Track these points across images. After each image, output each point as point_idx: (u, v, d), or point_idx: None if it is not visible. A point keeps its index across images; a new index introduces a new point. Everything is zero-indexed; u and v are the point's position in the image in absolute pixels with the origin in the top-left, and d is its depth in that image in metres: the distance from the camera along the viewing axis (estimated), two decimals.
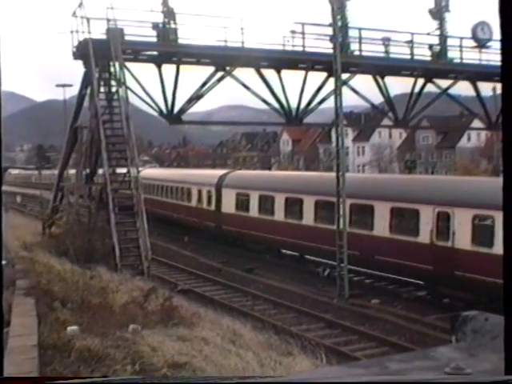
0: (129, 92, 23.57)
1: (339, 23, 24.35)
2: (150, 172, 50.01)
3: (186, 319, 13.30)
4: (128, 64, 23.84)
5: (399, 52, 27.64)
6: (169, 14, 23.93)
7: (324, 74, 26.33)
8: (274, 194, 29.53)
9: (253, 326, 14.24)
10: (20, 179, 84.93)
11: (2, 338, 3.92)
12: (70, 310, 12.75)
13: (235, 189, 33.10)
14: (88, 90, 24.52)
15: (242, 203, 32.09)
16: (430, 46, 28.07)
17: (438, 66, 28.26)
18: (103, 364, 9.00)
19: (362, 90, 28.08)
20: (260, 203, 30.64)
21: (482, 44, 28.21)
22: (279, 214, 28.83)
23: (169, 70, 24.79)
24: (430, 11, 28.10)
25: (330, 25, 23.97)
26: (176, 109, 25.18)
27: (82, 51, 23.33)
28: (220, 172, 38.52)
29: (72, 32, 23.36)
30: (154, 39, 24.11)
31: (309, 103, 26.96)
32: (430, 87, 29.48)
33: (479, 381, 3.29)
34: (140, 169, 24.37)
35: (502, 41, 3.06)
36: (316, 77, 26.74)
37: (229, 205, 33.20)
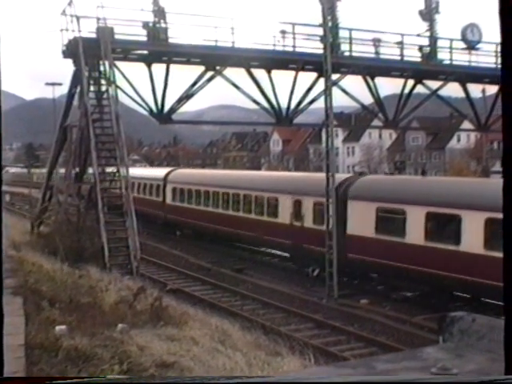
0: (119, 91, 23.52)
1: (329, 24, 24.34)
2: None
3: (175, 319, 13.28)
4: (118, 63, 23.76)
5: (389, 53, 27.70)
6: (159, 13, 23.86)
7: (314, 75, 26.35)
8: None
9: (241, 326, 14.24)
10: (18, 177, 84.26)
11: (2, 338, 3.91)
12: (58, 310, 12.71)
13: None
14: (78, 89, 24.41)
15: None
16: (420, 48, 28.13)
17: (428, 68, 28.32)
18: (91, 364, 8.97)
19: (353, 90, 28.17)
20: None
21: (471, 46, 28.31)
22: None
23: (159, 69, 24.76)
24: (420, 12, 28.16)
25: (320, 25, 23.97)
26: (166, 108, 25.12)
27: (72, 50, 23.22)
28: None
29: (62, 30, 23.26)
30: (145, 38, 24.02)
31: (299, 103, 26.96)
32: (419, 88, 29.59)
33: (478, 381, 3.30)
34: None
35: (502, 43, 3.07)
36: (306, 77, 26.79)
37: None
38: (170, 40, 24.26)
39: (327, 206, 22.65)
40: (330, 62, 22.70)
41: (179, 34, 24.50)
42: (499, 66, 3.39)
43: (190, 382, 3.99)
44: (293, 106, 26.85)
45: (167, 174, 40.85)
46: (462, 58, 28.72)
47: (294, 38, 25.61)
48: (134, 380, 4.51)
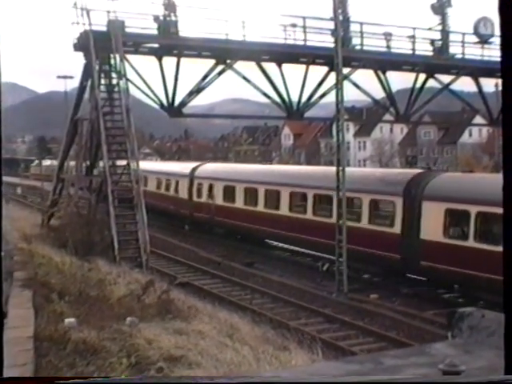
0: (130, 84, 23.53)
1: (341, 17, 24.23)
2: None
3: (184, 312, 13.28)
4: (129, 56, 23.77)
5: (401, 47, 27.55)
6: (170, 6, 23.83)
7: (325, 69, 26.26)
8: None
9: (250, 320, 14.22)
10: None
11: (2, 339, 3.89)
12: (67, 302, 12.74)
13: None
14: (89, 82, 24.44)
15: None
16: (432, 41, 27.98)
17: (440, 62, 28.17)
18: (99, 357, 8.97)
19: (364, 84, 28.02)
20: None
21: (484, 40, 28.12)
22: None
23: (169, 62, 24.74)
24: (432, 6, 28.01)
25: (331, 19, 23.85)
26: (177, 102, 25.10)
27: (83, 43, 23.25)
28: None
29: (73, 24, 23.30)
30: (155, 32, 24.01)
31: (310, 97, 26.89)
32: (431, 82, 29.44)
33: (478, 381, 3.25)
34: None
35: (502, 38, 3.03)
36: (317, 71, 26.68)
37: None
38: (181, 33, 24.23)
39: (339, 200, 22.50)
40: (340, 56, 22.59)
41: (190, 28, 24.49)
42: None
43: (193, 382, 3.96)
44: (304, 99, 26.78)
45: (194, 169, 37.77)
46: (474, 52, 28.55)
47: (305, 32, 25.53)
48: (138, 380, 4.48)
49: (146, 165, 52.87)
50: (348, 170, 23.19)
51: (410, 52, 27.60)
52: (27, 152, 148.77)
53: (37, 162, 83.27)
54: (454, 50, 28.30)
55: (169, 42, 24.46)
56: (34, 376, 7.26)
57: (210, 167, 39.19)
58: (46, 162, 73.17)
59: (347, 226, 21.94)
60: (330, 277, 23.10)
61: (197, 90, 25.58)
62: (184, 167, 40.75)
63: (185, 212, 36.98)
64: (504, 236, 3.20)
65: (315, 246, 25.91)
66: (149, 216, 22.99)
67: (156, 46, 24.97)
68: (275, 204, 28.81)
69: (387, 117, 38.00)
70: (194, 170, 37.74)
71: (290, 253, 29.34)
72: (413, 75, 28.77)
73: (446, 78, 29.30)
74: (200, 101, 28.05)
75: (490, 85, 32.49)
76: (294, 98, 26.61)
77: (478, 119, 52.12)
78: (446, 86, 29.54)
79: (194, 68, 26.90)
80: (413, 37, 27.45)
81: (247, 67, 25.86)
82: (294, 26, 25.44)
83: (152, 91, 24.67)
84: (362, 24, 26.61)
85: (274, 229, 28.30)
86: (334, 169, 22.85)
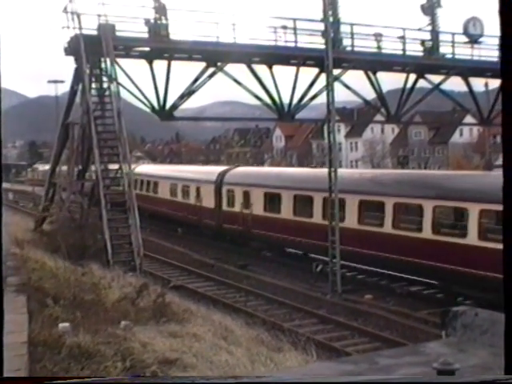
0: (121, 88, 23.50)
1: (331, 19, 24.26)
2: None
3: (178, 315, 13.28)
4: (119, 60, 23.74)
5: (391, 47, 27.59)
6: (160, 9, 23.81)
7: (316, 70, 26.27)
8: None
9: (244, 322, 14.23)
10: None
11: (2, 339, 3.91)
12: (61, 307, 12.71)
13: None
14: (79, 86, 24.39)
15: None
16: (422, 42, 28.05)
17: (430, 62, 28.25)
18: (93, 361, 8.96)
19: (355, 85, 28.07)
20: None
21: (473, 39, 28.23)
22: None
23: (160, 66, 24.72)
24: (422, 7, 28.09)
25: (321, 20, 23.91)
26: (168, 105, 25.08)
27: (74, 47, 23.20)
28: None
29: (63, 28, 23.26)
30: (146, 35, 23.99)
31: (301, 99, 26.90)
32: (422, 83, 29.49)
33: (479, 380, 3.27)
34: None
35: (502, 38, 3.05)
36: (308, 72, 26.70)
37: None
38: (172, 36, 24.21)
39: (331, 201, 22.54)
40: (331, 57, 22.64)
41: (180, 31, 24.49)
42: None
43: (190, 382, 3.97)
44: (295, 101, 26.78)
45: (222, 175, 33.54)
46: (464, 52, 28.64)
47: (296, 34, 25.55)
48: (134, 380, 4.49)
49: (156, 169, 50.62)
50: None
51: (401, 52, 27.65)
52: (18, 157, 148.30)
53: (34, 166, 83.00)
54: (444, 50, 28.39)
55: (159, 46, 24.44)
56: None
57: (243, 172, 35.07)
58: (45, 167, 72.97)
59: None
60: (324, 278, 23.13)
61: (188, 93, 25.56)
62: (208, 172, 37.55)
63: (210, 223, 33.19)
64: (504, 236, 3.22)
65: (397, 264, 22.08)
66: (145, 220, 22.96)
67: (147, 49, 24.93)
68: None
69: (378, 117, 38.16)
70: (221, 175, 33.60)
71: (283, 255, 29.21)
72: (403, 75, 28.85)
73: (436, 78, 29.39)
74: (191, 104, 28.18)
75: (480, 84, 32.65)
76: (285, 100, 26.63)
77: (469, 119, 52.32)
78: (437, 86, 29.62)
79: (184, 71, 26.93)
80: (403, 37, 27.50)
81: (238, 69, 25.91)
82: (284, 27, 25.46)
83: (143, 95, 24.64)
84: (352, 25, 26.63)
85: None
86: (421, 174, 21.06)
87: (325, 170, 23.59)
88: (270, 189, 28.86)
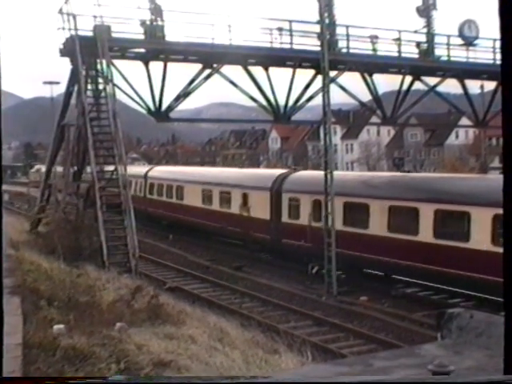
0: (116, 89, 23.47)
1: (327, 21, 24.31)
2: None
3: (173, 317, 13.26)
4: (115, 61, 23.71)
5: (387, 50, 27.64)
6: (156, 11, 23.80)
7: (312, 72, 26.29)
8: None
9: (240, 324, 14.21)
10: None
11: (2, 338, 3.88)
12: (56, 309, 12.67)
13: None
14: (75, 88, 24.37)
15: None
16: (418, 44, 28.10)
17: (426, 64, 28.30)
18: (88, 363, 8.93)
19: (350, 87, 28.13)
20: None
21: (469, 42, 28.29)
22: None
23: (156, 67, 24.71)
24: (418, 9, 28.14)
25: (317, 22, 23.93)
26: (164, 106, 25.06)
27: (69, 48, 23.19)
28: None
29: (59, 29, 23.23)
30: (142, 36, 23.98)
31: (297, 101, 26.91)
32: (417, 85, 29.54)
33: (475, 381, 3.26)
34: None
35: (502, 40, 3.04)
36: (304, 74, 26.72)
37: None
38: (167, 38, 24.21)
39: (326, 203, 22.57)
40: (327, 59, 22.66)
41: (176, 32, 24.50)
42: (497, 62, 3.38)
43: (187, 382, 3.96)
44: (290, 103, 26.80)
45: (280, 180, 28.66)
46: (459, 55, 28.69)
47: (291, 35, 25.56)
48: (131, 380, 4.47)
49: (179, 172, 45.12)
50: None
51: (396, 54, 27.70)
52: (13, 158, 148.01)
53: (37, 167, 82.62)
54: (440, 52, 28.44)
55: (155, 47, 24.43)
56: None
57: (310, 176, 30.03)
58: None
59: None
60: (320, 280, 23.12)
61: (184, 95, 25.56)
62: (258, 176, 33.12)
63: (263, 237, 28.54)
64: (504, 236, 3.21)
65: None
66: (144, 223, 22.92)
67: (142, 50, 24.92)
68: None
69: (374, 119, 38.21)
70: (279, 180, 28.75)
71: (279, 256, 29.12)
72: (399, 77, 28.89)
73: (432, 80, 29.45)
74: (187, 105, 28.16)
75: (476, 86, 32.70)
76: (281, 102, 26.63)
77: (464, 121, 52.33)
78: (432, 88, 29.67)
79: (180, 72, 26.90)
80: (399, 39, 27.55)
81: (234, 71, 25.91)
82: (280, 29, 25.47)
83: (139, 96, 24.63)
84: (348, 27, 26.67)
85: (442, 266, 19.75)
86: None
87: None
88: (352, 198, 24.11)
